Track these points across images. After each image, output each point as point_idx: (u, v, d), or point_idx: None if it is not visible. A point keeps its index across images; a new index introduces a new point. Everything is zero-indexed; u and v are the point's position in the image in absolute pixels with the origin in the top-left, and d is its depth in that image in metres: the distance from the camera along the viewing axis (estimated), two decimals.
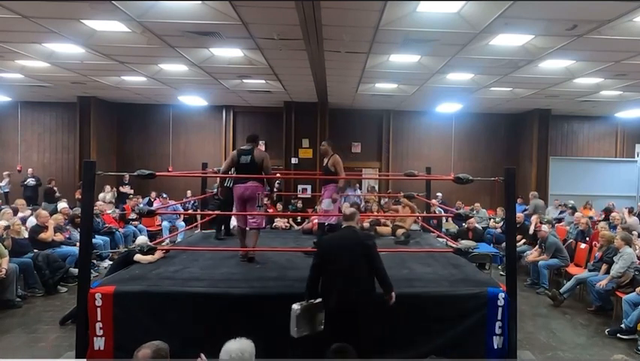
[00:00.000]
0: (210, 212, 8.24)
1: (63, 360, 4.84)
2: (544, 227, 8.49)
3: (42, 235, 7.72)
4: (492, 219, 11.56)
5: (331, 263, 3.91)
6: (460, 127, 15.85)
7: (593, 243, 8.03)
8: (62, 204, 10.30)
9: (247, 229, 5.66)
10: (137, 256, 5.37)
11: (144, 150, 15.57)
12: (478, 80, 10.40)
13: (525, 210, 11.60)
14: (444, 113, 15.31)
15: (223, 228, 7.48)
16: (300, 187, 14.00)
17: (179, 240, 9.53)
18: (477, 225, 10.30)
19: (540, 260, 8.17)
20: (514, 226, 4.97)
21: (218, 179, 7.64)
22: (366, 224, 8.13)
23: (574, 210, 11.56)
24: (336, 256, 3.92)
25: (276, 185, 15.48)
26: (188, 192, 13.78)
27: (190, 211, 11.75)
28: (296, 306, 3.87)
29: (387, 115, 15.52)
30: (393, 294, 3.95)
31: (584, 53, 7.90)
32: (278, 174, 11.84)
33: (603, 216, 11.06)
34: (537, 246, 8.62)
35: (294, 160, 14.15)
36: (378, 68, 9.39)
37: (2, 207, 9.82)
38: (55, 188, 13.47)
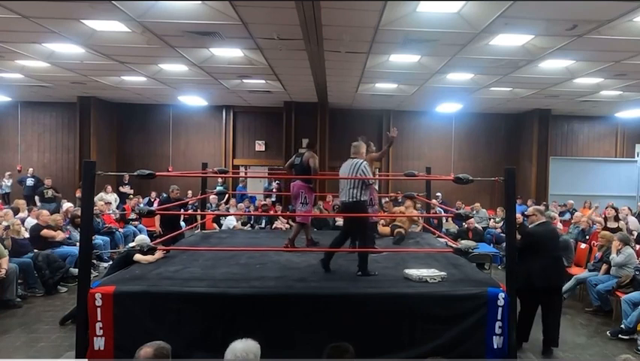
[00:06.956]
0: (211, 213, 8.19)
1: (63, 360, 4.84)
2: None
3: (47, 232, 7.65)
4: (492, 219, 11.54)
5: (539, 250, 4.99)
6: (460, 127, 15.86)
7: (593, 243, 8.02)
8: (67, 204, 10.27)
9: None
10: (137, 256, 5.35)
11: (144, 150, 15.58)
12: (478, 80, 10.40)
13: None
14: (444, 113, 15.32)
15: None
16: None
17: None
18: (477, 225, 10.29)
19: None
20: (514, 225, 4.96)
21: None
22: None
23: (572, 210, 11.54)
24: (543, 245, 5.02)
25: (275, 185, 15.42)
26: (189, 192, 13.77)
27: (190, 211, 11.72)
28: None
29: (387, 115, 15.52)
30: None
31: (584, 53, 7.91)
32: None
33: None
34: None
35: None
36: (378, 68, 9.39)
37: (4, 207, 9.80)
38: (49, 188, 13.13)
